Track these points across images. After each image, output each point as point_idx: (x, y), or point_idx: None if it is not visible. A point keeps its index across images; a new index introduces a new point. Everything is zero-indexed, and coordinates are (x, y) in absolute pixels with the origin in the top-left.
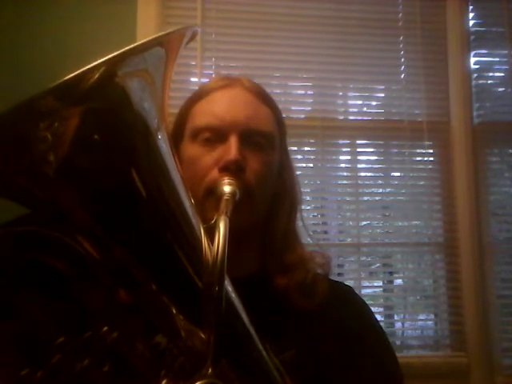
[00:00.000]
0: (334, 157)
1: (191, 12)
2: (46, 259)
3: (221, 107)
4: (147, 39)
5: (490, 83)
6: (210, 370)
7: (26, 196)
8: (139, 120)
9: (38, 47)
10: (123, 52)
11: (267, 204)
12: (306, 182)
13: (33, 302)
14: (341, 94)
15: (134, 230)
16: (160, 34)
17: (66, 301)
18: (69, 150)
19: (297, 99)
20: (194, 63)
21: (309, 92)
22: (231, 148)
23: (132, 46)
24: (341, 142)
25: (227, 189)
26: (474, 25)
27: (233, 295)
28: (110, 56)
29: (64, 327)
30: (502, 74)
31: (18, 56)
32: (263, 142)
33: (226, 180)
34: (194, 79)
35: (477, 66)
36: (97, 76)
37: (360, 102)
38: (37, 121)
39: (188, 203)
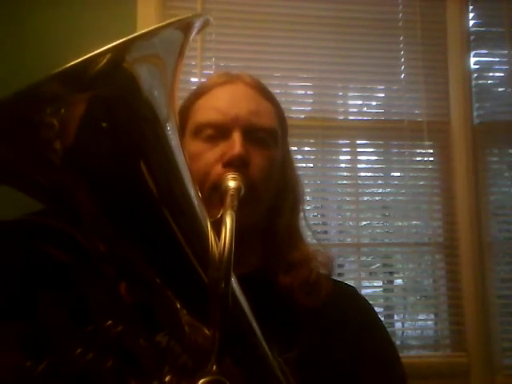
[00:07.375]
0: (334, 157)
1: (191, 12)
2: (50, 251)
3: (223, 103)
4: (158, 25)
5: (490, 83)
6: (214, 367)
7: (30, 184)
8: (148, 108)
9: (36, 42)
10: (132, 38)
11: (271, 200)
12: (306, 182)
13: (38, 295)
14: (341, 94)
15: (140, 222)
16: (172, 19)
17: (69, 294)
18: (75, 137)
19: (297, 99)
20: (194, 63)
21: (309, 92)
22: (235, 143)
23: (142, 31)
24: (341, 142)
25: (232, 184)
26: (474, 25)
27: (238, 292)
28: (118, 42)
29: (66, 320)
30: (502, 74)
31: (18, 52)
32: (266, 137)
33: (231, 175)
34: (194, 79)
35: (477, 66)
36: (104, 61)
37: (360, 102)
38: (43, 106)
39: (195, 196)
